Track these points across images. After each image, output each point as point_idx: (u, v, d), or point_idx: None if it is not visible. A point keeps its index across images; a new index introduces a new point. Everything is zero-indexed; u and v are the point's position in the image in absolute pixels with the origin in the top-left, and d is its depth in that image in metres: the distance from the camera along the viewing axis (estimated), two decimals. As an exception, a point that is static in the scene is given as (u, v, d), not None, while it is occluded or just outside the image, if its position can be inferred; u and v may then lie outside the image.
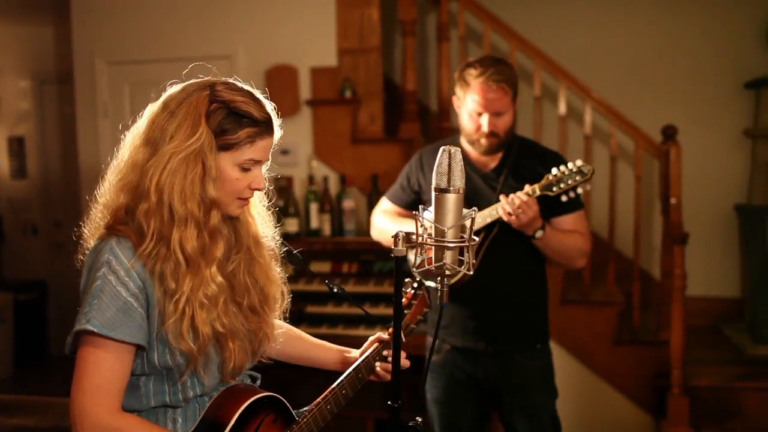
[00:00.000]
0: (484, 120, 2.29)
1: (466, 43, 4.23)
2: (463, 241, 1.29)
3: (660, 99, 4.74)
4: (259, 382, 1.61)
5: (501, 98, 2.28)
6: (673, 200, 3.67)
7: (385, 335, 1.80)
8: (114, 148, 1.49)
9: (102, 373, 1.31)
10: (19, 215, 5.99)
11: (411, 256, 1.34)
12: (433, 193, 1.30)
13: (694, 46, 4.73)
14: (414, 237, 1.31)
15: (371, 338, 1.80)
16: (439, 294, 1.33)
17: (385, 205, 2.64)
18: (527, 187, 2.24)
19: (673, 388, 3.53)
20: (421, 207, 1.34)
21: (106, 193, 1.43)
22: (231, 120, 1.38)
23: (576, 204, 2.33)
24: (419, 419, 1.43)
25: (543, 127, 4.08)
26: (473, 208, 1.30)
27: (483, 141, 2.32)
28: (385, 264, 3.64)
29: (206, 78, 1.45)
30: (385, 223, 2.54)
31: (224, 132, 1.38)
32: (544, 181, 2.22)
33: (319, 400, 1.58)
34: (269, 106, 1.46)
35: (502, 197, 2.20)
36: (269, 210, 1.61)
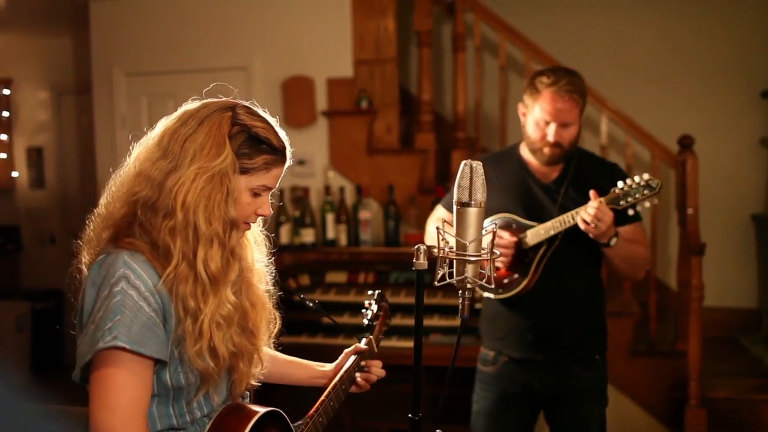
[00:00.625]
0: (551, 130, 2.26)
1: (481, 54, 4.24)
2: (484, 255, 1.30)
3: (676, 108, 4.72)
4: (248, 399, 1.61)
5: (571, 109, 2.25)
6: (689, 210, 3.64)
7: (362, 345, 1.83)
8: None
9: (131, 392, 1.27)
10: (37, 225, 6.05)
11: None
12: (454, 207, 1.31)
13: (709, 55, 4.72)
14: (435, 250, 1.32)
15: (346, 350, 1.82)
16: (460, 307, 1.33)
17: (439, 212, 2.61)
18: (596, 200, 2.19)
19: (690, 400, 3.50)
20: (443, 221, 1.35)
21: (109, 204, 1.40)
22: (250, 145, 1.39)
23: (636, 215, 2.30)
24: (439, 432, 1.43)
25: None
26: (494, 223, 1.31)
27: (546, 150, 2.30)
28: (401, 274, 3.64)
29: (225, 99, 1.45)
30: None
31: (242, 156, 1.38)
32: (611, 195, 2.18)
33: (312, 412, 1.60)
34: (284, 135, 1.47)
35: (581, 208, 2.17)
36: (263, 234, 1.60)
